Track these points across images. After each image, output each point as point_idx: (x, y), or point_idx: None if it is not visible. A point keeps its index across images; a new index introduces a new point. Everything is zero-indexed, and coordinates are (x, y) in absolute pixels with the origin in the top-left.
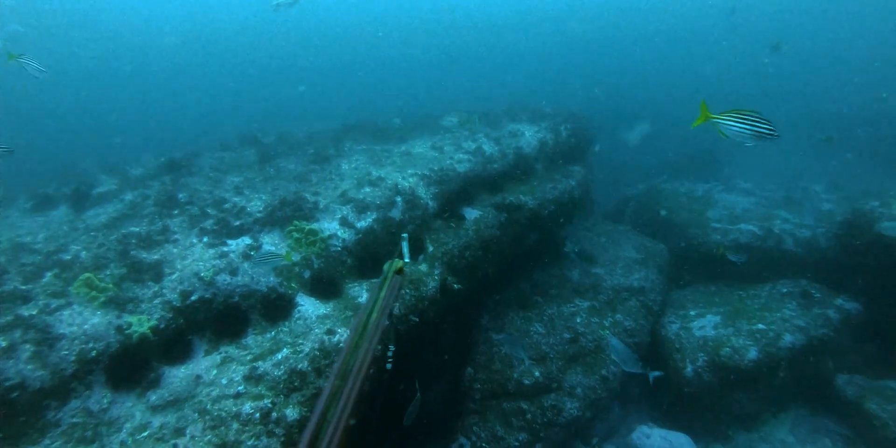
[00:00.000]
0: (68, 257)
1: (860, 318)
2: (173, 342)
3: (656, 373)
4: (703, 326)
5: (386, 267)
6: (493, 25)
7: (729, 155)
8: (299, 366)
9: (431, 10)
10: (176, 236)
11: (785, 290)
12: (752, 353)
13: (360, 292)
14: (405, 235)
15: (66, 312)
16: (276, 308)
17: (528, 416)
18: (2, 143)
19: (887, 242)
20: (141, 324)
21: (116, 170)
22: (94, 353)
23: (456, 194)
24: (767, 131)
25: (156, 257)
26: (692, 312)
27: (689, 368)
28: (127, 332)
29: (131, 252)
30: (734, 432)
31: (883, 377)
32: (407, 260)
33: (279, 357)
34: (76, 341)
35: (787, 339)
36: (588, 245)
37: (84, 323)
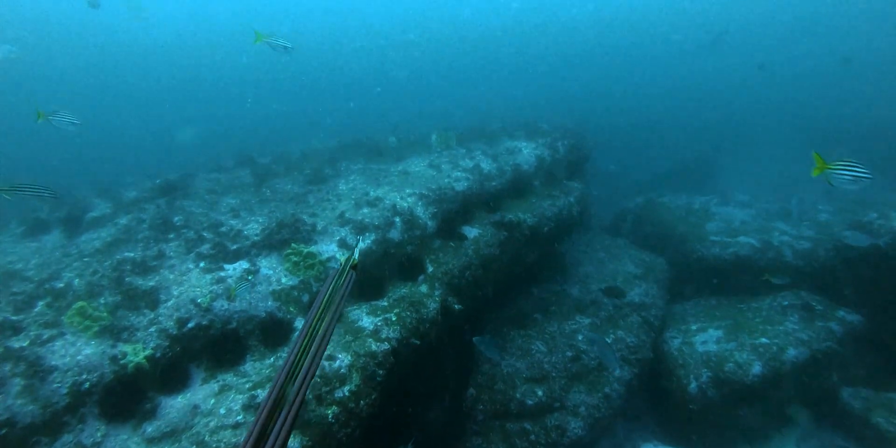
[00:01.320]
0: (61, 285)
1: (862, 330)
2: (170, 371)
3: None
4: (705, 341)
5: (342, 259)
6: (490, 40)
7: (721, 165)
8: None
9: (429, 24)
10: (172, 261)
11: (786, 303)
12: (757, 368)
13: (361, 315)
14: (360, 239)
15: (58, 343)
16: (275, 333)
17: (532, 436)
18: (49, 189)
19: (889, 253)
20: (136, 353)
21: (110, 193)
22: (87, 385)
23: (455, 213)
24: (864, 175)
25: (151, 284)
26: (693, 327)
27: (693, 385)
28: (122, 362)
29: (126, 279)
30: None
31: (888, 389)
32: (356, 258)
33: None
34: (69, 373)
35: (791, 353)
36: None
37: (77, 354)
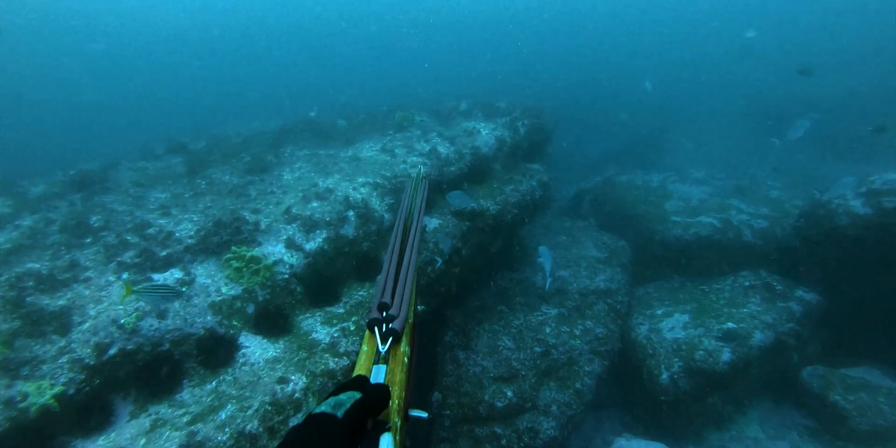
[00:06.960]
0: None
1: (819, 307)
2: (88, 408)
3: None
4: (672, 327)
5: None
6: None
7: (672, 141)
8: (248, 426)
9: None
10: (88, 273)
11: (747, 284)
12: (726, 355)
13: (314, 325)
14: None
15: None
16: (217, 352)
17: (504, 441)
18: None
19: (847, 233)
20: (41, 393)
21: (11, 188)
22: None
23: None
24: None
25: (61, 303)
26: (659, 311)
27: (664, 376)
28: (21, 405)
29: (27, 298)
30: (707, 433)
31: (841, 365)
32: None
33: (223, 416)
34: None
35: (758, 337)
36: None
37: None
